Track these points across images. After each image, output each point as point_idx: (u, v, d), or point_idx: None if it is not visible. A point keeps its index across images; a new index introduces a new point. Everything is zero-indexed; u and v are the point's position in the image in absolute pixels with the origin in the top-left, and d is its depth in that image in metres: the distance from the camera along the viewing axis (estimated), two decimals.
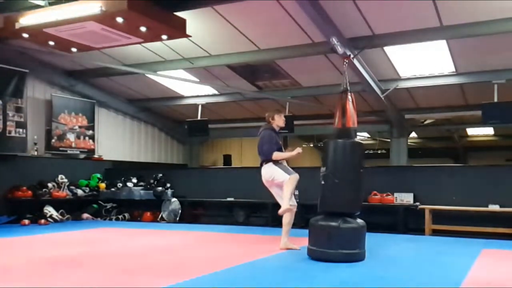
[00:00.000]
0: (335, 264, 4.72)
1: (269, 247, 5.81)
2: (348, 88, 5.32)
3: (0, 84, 9.22)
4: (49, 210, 9.48)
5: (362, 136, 17.96)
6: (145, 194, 10.47)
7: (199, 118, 11.69)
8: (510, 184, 7.70)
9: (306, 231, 5.23)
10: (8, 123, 9.29)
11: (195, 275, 4.23)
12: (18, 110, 9.52)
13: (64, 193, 10.06)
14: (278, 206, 5.71)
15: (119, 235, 7.69)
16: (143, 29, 6.81)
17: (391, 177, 8.78)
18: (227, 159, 16.73)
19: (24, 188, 9.48)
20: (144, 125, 13.60)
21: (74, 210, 10.05)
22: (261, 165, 5.87)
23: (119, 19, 6.42)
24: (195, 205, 10.45)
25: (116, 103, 12.38)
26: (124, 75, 10.65)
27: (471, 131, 17.66)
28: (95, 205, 10.47)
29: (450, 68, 9.04)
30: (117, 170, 11.59)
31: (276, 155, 5.75)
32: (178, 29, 7.05)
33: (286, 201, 5.53)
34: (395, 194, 8.38)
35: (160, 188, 10.39)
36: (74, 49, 7.88)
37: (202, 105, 11.79)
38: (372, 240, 5.65)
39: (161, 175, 10.78)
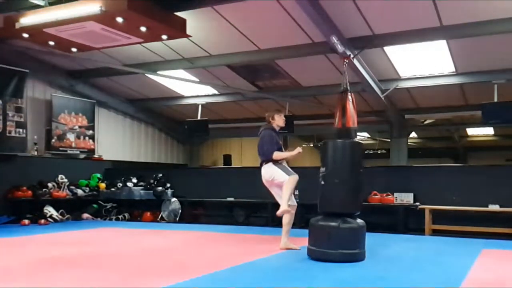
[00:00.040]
0: (335, 264, 4.72)
1: (269, 247, 5.81)
2: (348, 88, 5.33)
3: (0, 84, 9.22)
4: (49, 210, 9.48)
5: (362, 136, 17.97)
6: (145, 194, 10.47)
7: (199, 118, 11.69)
8: (510, 184, 7.70)
9: (306, 231, 5.23)
10: (8, 123, 9.29)
11: (195, 275, 4.23)
12: (18, 110, 9.52)
13: (64, 193, 10.06)
14: (278, 206, 5.70)
15: (119, 235, 7.69)
16: (143, 29, 6.82)
17: (391, 177, 8.78)
18: (227, 159, 16.73)
19: (24, 188, 9.48)
20: (144, 125, 13.60)
21: (74, 210, 10.05)
22: (261, 165, 5.87)
23: (119, 19, 6.43)
24: (195, 205, 10.45)
25: (116, 103, 12.38)
26: (124, 75, 10.65)
27: (471, 131, 17.67)
28: (95, 205, 10.47)
29: (450, 68, 9.04)
30: (117, 170, 11.59)
31: (277, 155, 5.75)
32: (178, 29, 7.06)
33: (285, 202, 5.51)
34: (395, 194, 8.38)
35: (160, 188, 10.40)
36: (74, 49, 7.89)
37: (202, 105, 11.79)
38: (372, 240, 5.65)
39: (161, 175, 10.79)
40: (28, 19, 6.81)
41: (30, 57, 9.77)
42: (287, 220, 5.67)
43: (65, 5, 6.55)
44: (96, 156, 11.49)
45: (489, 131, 17.29)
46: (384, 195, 8.42)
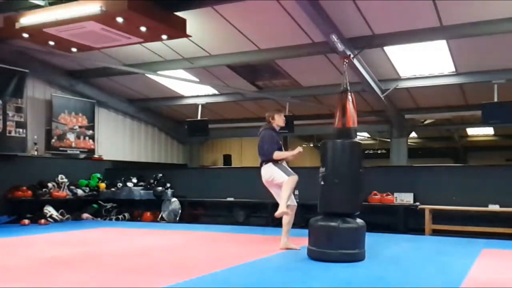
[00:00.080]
0: (335, 264, 4.72)
1: (269, 247, 5.81)
2: (348, 88, 5.32)
3: (0, 84, 9.22)
4: (49, 210, 9.48)
5: (362, 136, 17.97)
6: (145, 194, 10.47)
7: (199, 118, 11.68)
8: (510, 184, 7.70)
9: (306, 231, 5.22)
10: (8, 123, 9.29)
11: (195, 275, 4.23)
12: (18, 110, 9.52)
13: (64, 193, 10.06)
14: (278, 206, 5.70)
15: (119, 235, 7.69)
16: (143, 29, 6.81)
17: (391, 177, 8.78)
18: (227, 159, 16.74)
19: (24, 188, 9.48)
20: (144, 125, 13.60)
21: (74, 210, 10.05)
22: (261, 165, 5.87)
23: (119, 19, 6.43)
24: (195, 205, 10.45)
25: (116, 103, 12.38)
26: (124, 75, 10.65)
27: (471, 131, 17.67)
28: (95, 205, 10.47)
29: (450, 68, 9.04)
30: (117, 170, 11.59)
31: (277, 154, 5.74)
32: (178, 29, 7.05)
33: (283, 204, 5.48)
34: (395, 194, 8.38)
35: (160, 188, 10.40)
36: (74, 49, 7.89)
37: (202, 105, 11.79)
38: (372, 240, 5.65)
39: (161, 175, 10.79)
40: (28, 19, 6.80)
41: (30, 57, 9.77)
42: (287, 220, 5.66)
43: (65, 5, 6.55)
44: (96, 156, 11.49)
45: (489, 131, 17.29)
46: (384, 195, 8.42)
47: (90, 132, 11.36)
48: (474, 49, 8.18)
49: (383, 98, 9.97)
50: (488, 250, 5.84)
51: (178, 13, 6.96)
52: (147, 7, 6.45)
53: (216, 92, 11.60)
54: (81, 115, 11.14)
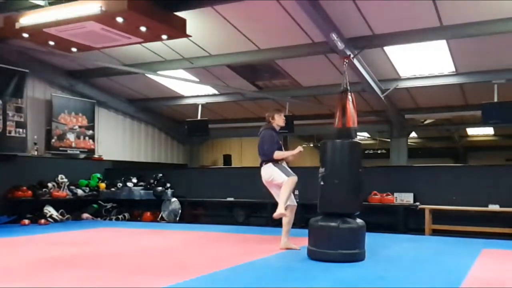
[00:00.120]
0: (335, 264, 4.72)
1: (269, 247, 5.81)
2: (348, 88, 5.33)
3: (0, 84, 9.22)
4: (49, 210, 9.48)
5: (362, 136, 17.98)
6: (145, 194, 10.47)
7: (199, 118, 11.68)
8: (510, 184, 7.70)
9: (306, 231, 5.22)
10: (8, 123, 9.29)
11: (195, 275, 4.23)
12: (18, 110, 9.52)
13: (64, 193, 10.06)
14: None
15: (119, 235, 7.69)
16: (143, 29, 6.81)
17: (391, 177, 8.78)
18: (227, 159, 16.73)
19: (24, 188, 9.48)
20: (144, 125, 13.60)
21: (74, 210, 10.05)
22: (261, 165, 5.87)
23: (119, 19, 6.42)
24: (195, 205, 10.45)
25: (116, 103, 12.38)
26: (124, 75, 10.65)
27: (471, 131, 17.67)
28: (95, 205, 10.47)
29: (450, 68, 9.04)
30: (117, 170, 11.59)
31: (277, 154, 5.74)
32: (178, 29, 7.05)
33: (282, 205, 5.46)
34: (395, 194, 8.38)
35: (160, 188, 10.40)
36: (74, 49, 7.88)
37: (202, 105, 11.79)
38: (372, 240, 5.64)
39: (161, 175, 10.79)
40: (28, 19, 6.80)
41: (30, 57, 9.77)
42: (287, 220, 5.66)
43: (65, 5, 6.55)
44: (96, 156, 11.49)
45: (489, 131, 17.29)
46: (384, 195, 8.42)
47: (90, 132, 11.36)
48: (474, 49, 8.18)
49: (383, 98, 9.98)
50: (488, 250, 5.84)
51: (178, 13, 6.95)
52: (147, 7, 6.45)
53: (216, 92, 11.60)
54: (81, 115, 11.14)
